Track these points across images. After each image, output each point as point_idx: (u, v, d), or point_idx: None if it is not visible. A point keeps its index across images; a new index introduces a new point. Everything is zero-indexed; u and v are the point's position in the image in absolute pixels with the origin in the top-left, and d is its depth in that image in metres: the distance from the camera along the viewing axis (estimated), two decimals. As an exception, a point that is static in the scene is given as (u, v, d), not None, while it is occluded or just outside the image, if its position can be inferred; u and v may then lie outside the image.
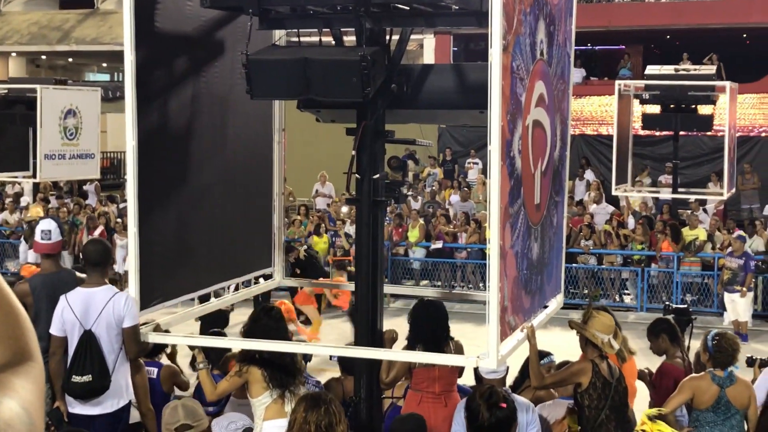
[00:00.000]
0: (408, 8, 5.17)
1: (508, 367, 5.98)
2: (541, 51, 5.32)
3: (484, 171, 23.59)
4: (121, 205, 22.48)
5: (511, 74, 4.71)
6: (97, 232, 19.31)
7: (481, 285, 18.18)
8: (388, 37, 5.54)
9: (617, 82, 16.92)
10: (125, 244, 19.11)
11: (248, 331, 5.62)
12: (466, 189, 21.85)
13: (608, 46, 29.26)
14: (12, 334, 1.53)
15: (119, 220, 19.86)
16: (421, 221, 18.65)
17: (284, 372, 5.52)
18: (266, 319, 5.62)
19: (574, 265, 16.95)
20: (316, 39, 5.68)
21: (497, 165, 4.55)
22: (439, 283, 18.55)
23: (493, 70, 4.49)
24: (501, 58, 4.50)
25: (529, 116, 5.17)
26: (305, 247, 16.80)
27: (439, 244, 18.33)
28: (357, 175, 5.54)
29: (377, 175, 5.57)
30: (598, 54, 29.81)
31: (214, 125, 6.01)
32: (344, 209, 19.47)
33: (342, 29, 5.65)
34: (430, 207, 20.78)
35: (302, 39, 5.60)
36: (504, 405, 4.85)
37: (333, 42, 5.76)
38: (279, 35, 5.98)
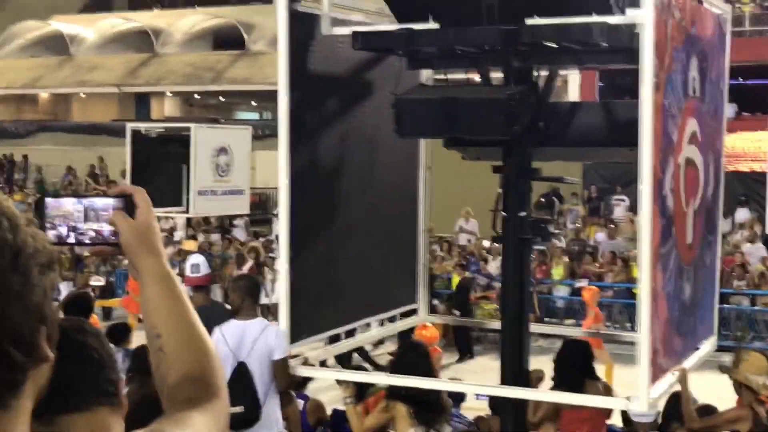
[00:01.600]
0: (557, 46, 5.16)
1: (659, 411, 5.84)
2: (693, 88, 5.22)
3: (632, 208, 23.15)
4: (270, 237, 23.07)
5: (662, 112, 4.65)
6: (246, 267, 19.83)
7: (628, 325, 17.78)
8: (535, 74, 5.55)
9: (772, 117, 16.37)
10: (273, 278, 19.58)
11: (395, 367, 5.66)
12: (612, 226, 21.46)
13: (760, 80, 28.39)
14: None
15: (270, 255, 20.35)
16: (566, 258, 18.41)
17: (430, 409, 5.53)
18: (412, 355, 5.66)
19: (726, 306, 16.40)
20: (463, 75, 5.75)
21: (648, 204, 4.47)
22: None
23: (644, 108, 4.43)
24: (652, 96, 4.45)
25: (681, 154, 5.07)
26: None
27: (584, 282, 18.05)
28: (503, 213, 5.54)
29: (524, 213, 5.55)
30: (750, 88, 28.95)
31: (362, 163, 6.11)
32: (485, 243, 19.43)
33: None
34: (575, 245, 20.50)
35: (450, 75, 5.67)
36: None
37: (480, 79, 5.80)
38: (426, 75, 6.05)
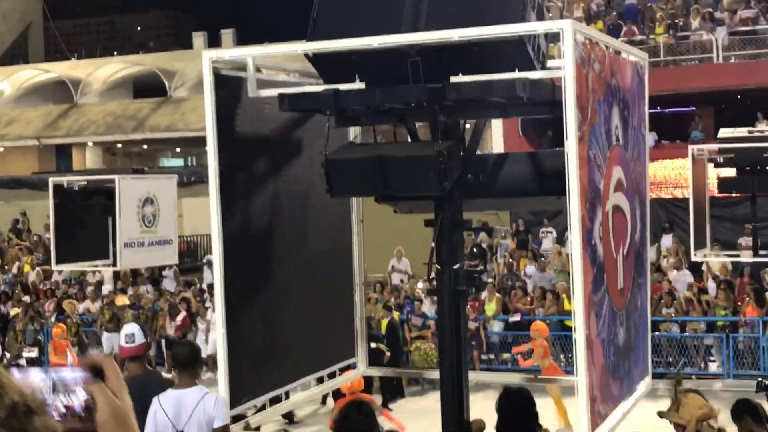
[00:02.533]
0: (481, 101, 5.24)
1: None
2: (617, 136, 5.35)
3: (559, 240, 23.44)
4: (202, 285, 22.84)
5: (588, 163, 4.75)
6: (179, 318, 19.60)
7: (561, 357, 17.97)
8: (462, 127, 5.62)
9: (690, 147, 16.76)
10: (206, 328, 19.37)
11: (338, 428, 5.62)
12: (542, 259, 21.70)
13: (678, 108, 29.11)
14: None
15: (201, 304, 20.13)
16: (498, 295, 18.55)
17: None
18: (356, 415, 5.62)
19: (656, 333, 16.67)
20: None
21: (579, 254, 4.56)
22: (518, 356, 18.38)
23: (570, 161, 4.53)
24: (577, 149, 4.54)
25: (609, 202, 5.18)
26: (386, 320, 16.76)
27: (517, 317, 18.20)
28: (437, 266, 5.58)
29: (457, 266, 5.60)
30: (669, 117, 29.65)
31: (295, 222, 6.12)
32: (420, 285, 19.48)
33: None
34: (508, 279, 20.64)
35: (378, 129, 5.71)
36: None
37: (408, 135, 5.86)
38: (355, 132, 6.09)
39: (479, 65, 4.87)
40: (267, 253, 5.81)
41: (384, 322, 16.75)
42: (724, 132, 16.39)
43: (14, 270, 27.04)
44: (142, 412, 6.00)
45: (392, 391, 16.09)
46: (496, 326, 18.52)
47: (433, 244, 5.51)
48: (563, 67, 4.58)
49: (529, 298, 18.67)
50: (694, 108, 28.71)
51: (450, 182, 5.07)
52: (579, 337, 4.54)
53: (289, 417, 12.87)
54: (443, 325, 5.68)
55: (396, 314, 17.73)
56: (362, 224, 6.91)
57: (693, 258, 16.67)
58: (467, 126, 5.75)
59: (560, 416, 12.65)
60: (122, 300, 20.59)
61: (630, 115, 5.68)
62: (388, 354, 15.69)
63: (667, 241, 22.30)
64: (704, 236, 16.89)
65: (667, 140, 27.94)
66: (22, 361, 13.22)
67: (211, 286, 21.73)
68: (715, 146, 16.52)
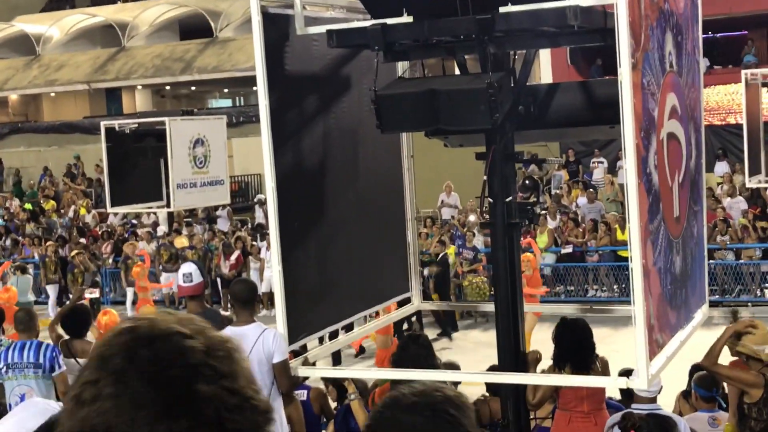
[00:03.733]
0: (531, 31, 5.17)
1: (661, 386, 5.87)
2: (670, 63, 5.25)
3: (610, 170, 23.24)
4: (254, 224, 23.05)
5: (641, 91, 4.68)
6: (233, 257, 19.82)
7: (615, 287, 17.93)
8: (512, 58, 5.56)
9: (743, 71, 16.43)
10: (260, 267, 19.60)
11: (397, 360, 5.70)
12: (592, 190, 21.54)
13: (730, 32, 28.47)
14: None
15: (254, 243, 20.32)
16: (549, 227, 18.49)
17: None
18: (414, 347, 5.70)
19: (711, 261, 16.54)
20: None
21: (634, 183, 4.51)
22: (572, 288, 18.38)
23: (624, 89, 4.46)
24: (631, 77, 4.47)
25: (663, 130, 5.11)
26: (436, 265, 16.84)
27: (569, 249, 18.16)
28: (490, 200, 5.57)
29: (510, 198, 5.58)
30: (721, 41, 29.04)
31: (346, 159, 6.13)
32: (471, 218, 19.47)
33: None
34: (560, 210, 20.53)
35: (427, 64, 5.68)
36: None
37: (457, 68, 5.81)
38: (403, 67, 6.05)
39: (528, -6, 4.80)
40: (319, 190, 5.83)
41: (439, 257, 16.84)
42: (779, 55, 16.05)
43: (70, 213, 27.49)
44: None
45: (445, 324, 16.23)
46: (549, 258, 18.49)
47: (485, 177, 5.49)
48: (615, -7, 4.49)
49: (580, 230, 18.59)
50: (746, 32, 28.08)
51: (501, 114, 5.03)
52: (636, 266, 4.51)
53: (336, 357, 13.01)
54: (497, 258, 5.69)
55: (452, 249, 17.77)
56: (412, 159, 6.89)
57: (748, 184, 16.47)
58: (516, 57, 5.69)
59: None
60: (181, 241, 20.82)
61: (683, 40, 5.57)
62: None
63: (720, 168, 22.02)
64: (759, 162, 16.63)
65: (720, 65, 27.40)
66: (86, 302, 13.44)
67: (262, 225, 21.94)
68: (769, 70, 16.21)
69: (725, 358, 6.09)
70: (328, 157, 5.91)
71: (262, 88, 5.23)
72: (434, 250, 17.24)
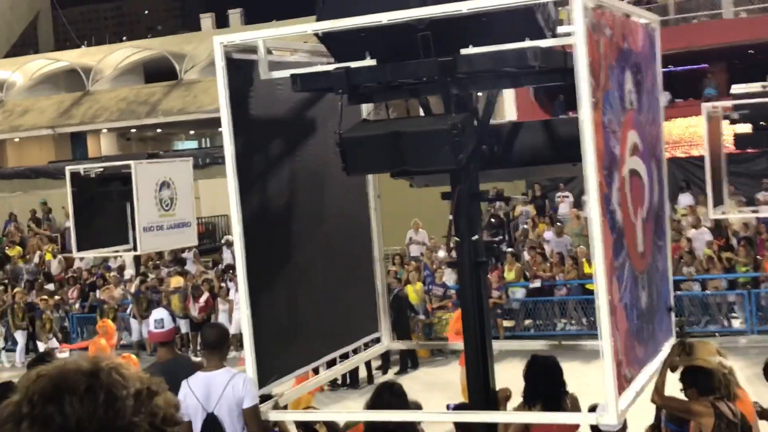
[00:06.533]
0: (493, 71, 5.24)
1: (625, 420, 5.92)
2: (630, 101, 5.34)
3: (576, 204, 23.42)
4: (221, 266, 22.93)
5: (603, 129, 4.75)
6: (202, 300, 19.73)
7: (583, 320, 18.01)
8: (474, 98, 5.62)
9: (704, 104, 16.65)
10: (229, 308, 19.50)
11: (371, 407, 5.70)
12: (559, 224, 21.69)
13: (690, 65, 28.92)
14: None
15: (222, 285, 20.24)
16: (517, 264, 18.58)
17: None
18: (388, 395, 5.70)
19: (678, 292, 16.68)
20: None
21: (598, 221, 4.57)
22: (541, 322, 18.44)
23: (585, 129, 4.52)
24: (592, 116, 4.54)
25: (625, 167, 5.18)
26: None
27: (537, 283, 18.25)
28: (456, 239, 5.61)
29: (476, 237, 5.62)
30: (681, 75, 29.47)
31: (312, 201, 6.15)
32: (441, 254, 19.53)
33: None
34: (528, 246, 20.61)
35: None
36: None
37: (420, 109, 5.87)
38: (368, 109, 6.10)
39: (489, 36, 4.86)
40: (286, 232, 5.85)
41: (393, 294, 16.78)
42: (737, 88, 16.28)
43: (36, 259, 27.24)
44: (174, 395, 6.07)
45: (406, 362, 16.28)
46: (518, 293, 18.57)
47: (450, 217, 5.54)
48: (574, 34, 4.57)
49: (548, 264, 18.69)
50: (706, 65, 28.53)
51: (465, 155, 5.08)
52: (602, 303, 4.56)
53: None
54: (465, 297, 5.72)
55: (417, 286, 17.75)
56: (379, 199, 6.93)
57: (711, 215, 16.65)
58: (479, 97, 5.75)
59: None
60: (177, 280, 20.64)
61: (643, 78, 5.66)
62: None
63: (684, 199, 22.26)
64: (721, 194, 16.82)
65: (680, 98, 27.79)
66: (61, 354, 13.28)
67: (230, 267, 21.86)
68: (729, 103, 16.40)
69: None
70: (294, 200, 5.94)
71: (227, 134, 5.25)
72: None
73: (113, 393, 1.61)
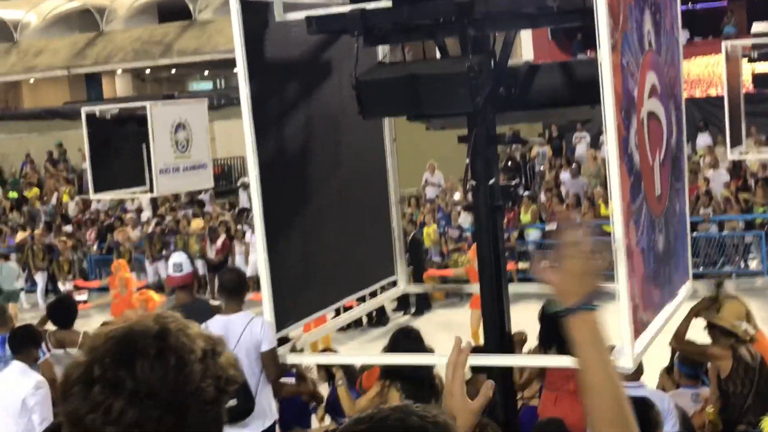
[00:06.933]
0: (511, 12, 5.17)
1: (640, 362, 5.93)
2: (649, 42, 5.26)
3: (593, 144, 23.29)
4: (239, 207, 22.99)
5: (621, 72, 4.69)
6: (219, 242, 19.81)
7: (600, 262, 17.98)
8: (492, 39, 5.55)
9: (724, 43, 16.41)
10: (244, 251, 19.58)
11: (388, 351, 5.73)
12: (575, 165, 21.60)
13: (710, 3, 28.49)
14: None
15: (238, 227, 20.31)
16: (533, 205, 18.54)
17: (423, 393, 5.61)
18: (405, 342, 5.73)
19: (695, 233, 16.63)
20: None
21: (616, 164, 4.54)
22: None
23: (604, 71, 4.47)
24: (610, 58, 4.48)
25: (643, 109, 5.13)
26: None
27: (554, 225, 18.20)
28: (473, 182, 5.58)
29: (492, 181, 5.59)
30: (700, 13, 29.06)
31: (328, 144, 6.13)
32: (456, 196, 19.50)
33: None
34: (545, 187, 20.52)
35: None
36: None
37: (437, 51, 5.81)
38: (383, 51, 6.04)
39: (507, -23, 4.80)
40: (302, 176, 5.84)
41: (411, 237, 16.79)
42: (757, 26, 16.07)
43: (53, 201, 27.37)
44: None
45: (421, 305, 16.36)
46: (533, 235, 18.55)
47: (467, 160, 5.50)
48: (593, -27, 4.49)
49: (564, 206, 18.65)
50: (725, 2, 28.10)
51: (482, 98, 5.03)
52: (619, 247, 4.54)
53: None
54: (481, 241, 5.70)
55: (432, 227, 17.77)
56: (395, 143, 6.90)
57: (729, 156, 16.52)
58: (496, 38, 5.68)
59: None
60: (197, 223, 20.70)
61: (662, 18, 5.58)
62: None
63: (702, 140, 22.09)
64: (740, 134, 16.66)
65: (699, 37, 27.43)
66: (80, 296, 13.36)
67: (246, 209, 21.91)
68: (748, 41, 16.20)
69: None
70: (310, 143, 5.91)
71: (242, 77, 5.22)
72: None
73: (183, 357, 1.62)
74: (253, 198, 5.34)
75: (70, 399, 1.59)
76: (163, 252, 19.98)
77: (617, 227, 4.56)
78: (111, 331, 1.65)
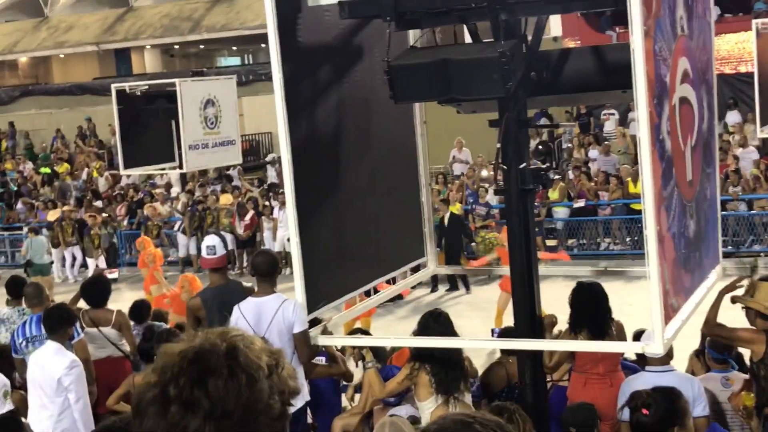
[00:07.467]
0: (543, -3, 5.18)
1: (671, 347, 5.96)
2: (681, 27, 5.25)
3: (621, 122, 23.16)
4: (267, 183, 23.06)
5: (654, 58, 4.69)
6: (247, 217, 19.88)
7: (627, 240, 17.96)
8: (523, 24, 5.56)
9: (753, 20, 16.29)
10: (272, 227, 19.67)
11: (418, 334, 5.79)
12: (606, 143, 21.48)
13: (741, -21, 28.12)
14: None
15: (267, 203, 20.38)
16: (561, 183, 18.47)
17: (452, 378, 5.67)
18: (435, 326, 5.78)
19: (723, 212, 16.52)
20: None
21: (648, 150, 4.54)
22: (584, 242, 18.42)
23: (637, 58, 4.47)
24: (643, 44, 4.48)
25: (675, 95, 5.13)
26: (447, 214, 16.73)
27: (581, 203, 18.17)
28: (504, 166, 5.60)
29: (523, 164, 5.61)
30: (732, -11, 28.69)
31: (359, 127, 6.17)
32: (484, 173, 19.47)
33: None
34: (572, 164, 20.43)
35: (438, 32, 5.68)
36: (646, 411, 4.90)
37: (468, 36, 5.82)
38: (415, 35, 6.06)
39: (540, -38, 4.80)
40: (334, 158, 5.88)
41: (445, 218, 16.72)
42: (790, 4, 15.88)
43: (84, 176, 27.56)
44: (225, 320, 6.23)
45: (456, 282, 16.35)
46: (561, 212, 18.52)
47: (498, 145, 5.53)
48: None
49: (593, 183, 18.59)
50: (757, -22, 27.71)
51: (514, 82, 5.05)
52: (650, 233, 4.56)
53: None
54: (512, 224, 5.74)
55: (457, 206, 17.70)
56: (425, 125, 6.92)
57: (759, 134, 16.39)
58: (527, 22, 5.68)
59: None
60: (227, 198, 20.78)
61: (694, 2, 5.56)
62: None
63: (732, 117, 21.91)
64: (771, 112, 16.50)
65: (730, 14, 27.10)
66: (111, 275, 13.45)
67: (275, 185, 21.97)
68: (781, 18, 16.05)
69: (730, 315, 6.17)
70: (341, 126, 5.95)
71: (275, 60, 5.26)
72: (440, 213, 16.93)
73: (252, 375, 1.66)
74: (285, 180, 5.40)
75: (146, 419, 1.64)
76: (200, 229, 20.10)
77: (649, 213, 4.57)
78: (181, 351, 1.69)
